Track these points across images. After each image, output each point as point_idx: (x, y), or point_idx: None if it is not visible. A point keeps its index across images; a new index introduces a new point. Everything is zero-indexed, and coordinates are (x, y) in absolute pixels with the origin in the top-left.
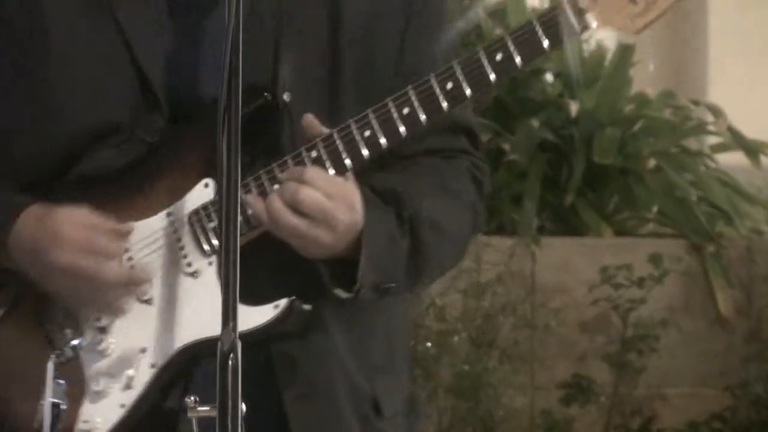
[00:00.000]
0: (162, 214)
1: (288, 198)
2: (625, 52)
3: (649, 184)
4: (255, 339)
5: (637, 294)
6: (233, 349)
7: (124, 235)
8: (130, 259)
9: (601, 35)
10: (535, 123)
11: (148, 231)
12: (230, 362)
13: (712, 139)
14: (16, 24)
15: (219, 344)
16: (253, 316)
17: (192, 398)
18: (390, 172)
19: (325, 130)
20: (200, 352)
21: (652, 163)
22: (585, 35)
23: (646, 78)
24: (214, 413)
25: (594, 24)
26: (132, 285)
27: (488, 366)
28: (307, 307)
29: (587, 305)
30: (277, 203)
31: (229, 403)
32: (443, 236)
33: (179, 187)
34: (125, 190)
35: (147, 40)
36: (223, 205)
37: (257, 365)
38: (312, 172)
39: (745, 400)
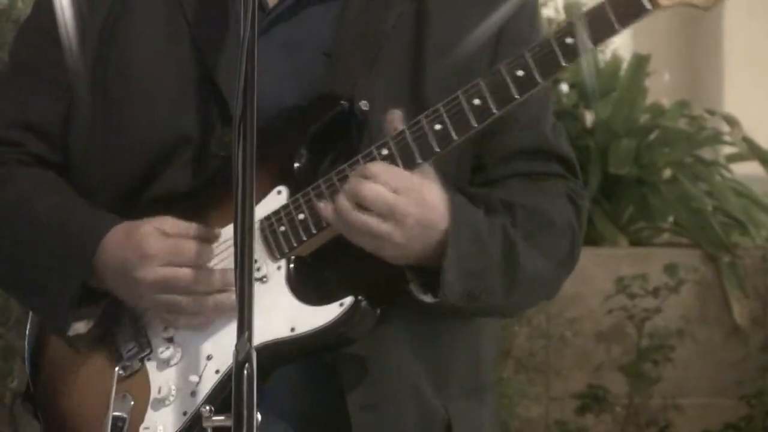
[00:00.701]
0: None
1: (352, 194)
2: (640, 62)
3: (665, 194)
4: (319, 341)
5: (652, 304)
6: (248, 359)
7: (212, 239)
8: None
9: (618, 43)
10: None
11: (222, 239)
12: (245, 372)
13: (728, 149)
14: (97, 45)
15: (234, 353)
16: (317, 316)
17: (207, 407)
18: (482, 190)
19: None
20: (266, 356)
21: (667, 173)
22: (654, 11)
23: (661, 88)
24: (229, 422)
25: (665, 1)
26: (225, 287)
27: (503, 376)
28: (374, 307)
29: (602, 315)
30: (342, 201)
31: (245, 412)
32: (539, 250)
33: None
34: (200, 205)
35: (222, 56)
36: (238, 214)
37: (323, 374)
38: (375, 167)
39: (761, 410)
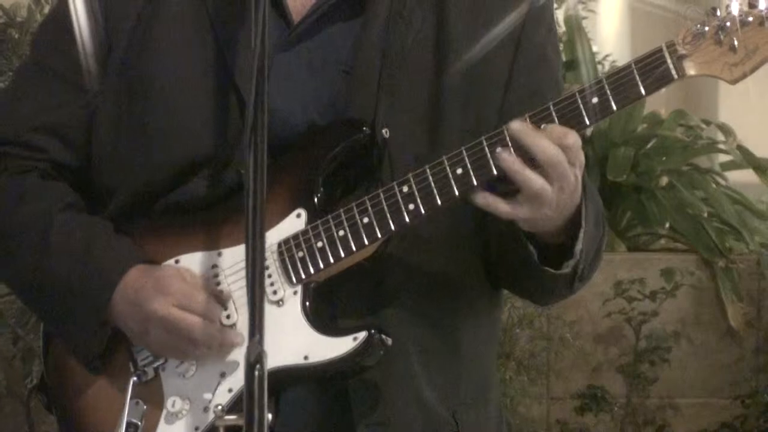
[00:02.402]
0: None
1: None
2: None
3: (662, 201)
4: (332, 370)
5: (649, 307)
6: (259, 360)
7: (222, 301)
8: (218, 284)
9: (617, 56)
10: None
11: (238, 258)
12: (257, 372)
13: (723, 158)
14: (125, 51)
15: (246, 355)
16: (331, 348)
17: (219, 407)
18: None
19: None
20: (279, 379)
21: (664, 180)
22: (680, 80)
23: (658, 98)
24: (241, 422)
25: (692, 71)
26: (223, 347)
27: (506, 377)
28: (387, 339)
29: (601, 318)
30: (514, 160)
31: (256, 412)
32: (604, 237)
33: (271, 216)
34: (217, 218)
35: (246, 69)
36: (249, 221)
37: (332, 392)
38: (571, 138)
39: (755, 410)
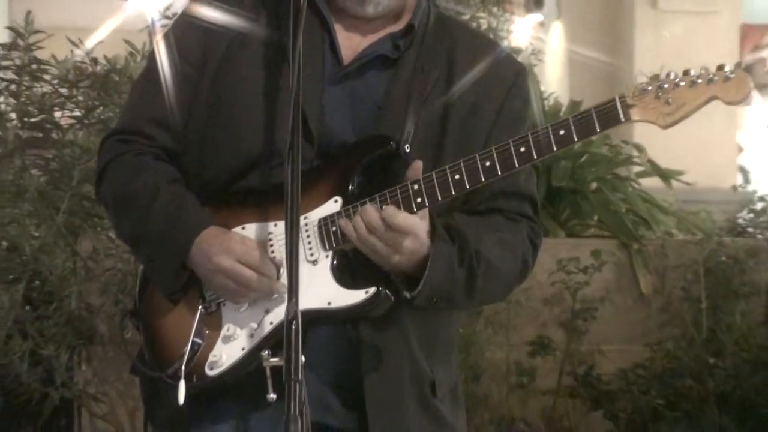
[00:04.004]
0: (300, 218)
1: (372, 227)
2: (574, 106)
3: (591, 200)
4: (347, 315)
5: (582, 278)
6: (295, 317)
7: (271, 260)
8: (271, 246)
9: (559, 92)
10: None
11: (280, 230)
12: (293, 326)
13: (637, 168)
14: (215, 76)
15: (285, 313)
16: (348, 297)
17: (266, 352)
18: (467, 218)
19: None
20: (309, 318)
21: (593, 185)
22: (627, 123)
23: None
24: (282, 363)
25: (635, 117)
26: (269, 294)
27: (476, 329)
28: (390, 295)
29: (547, 286)
30: (362, 229)
31: (293, 355)
32: (493, 275)
33: (315, 200)
34: (275, 199)
35: (311, 97)
36: (288, 218)
37: (345, 342)
38: (396, 215)
39: (660, 354)
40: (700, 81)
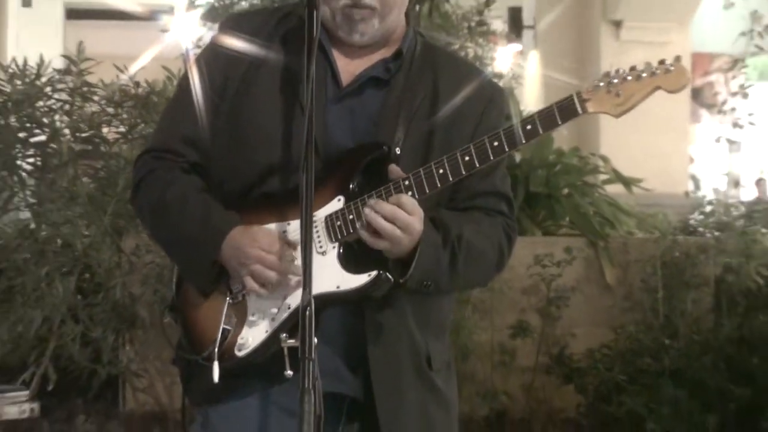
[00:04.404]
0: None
1: (388, 213)
2: None
3: (564, 204)
4: (354, 296)
5: (556, 271)
6: (309, 304)
7: (290, 249)
8: (288, 240)
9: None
10: None
11: (299, 227)
12: (307, 313)
13: (603, 177)
14: (235, 97)
15: (301, 300)
16: (354, 280)
17: (284, 335)
18: (450, 213)
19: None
20: (321, 301)
21: (566, 191)
22: (583, 115)
23: (562, 138)
24: (297, 344)
25: (591, 109)
26: (288, 276)
27: (464, 315)
28: (390, 278)
29: (526, 278)
30: (381, 222)
31: (307, 337)
32: (474, 260)
33: (322, 200)
34: (289, 202)
35: (317, 115)
36: (303, 215)
37: (353, 319)
38: (405, 199)
39: (623, 336)
40: (644, 74)
